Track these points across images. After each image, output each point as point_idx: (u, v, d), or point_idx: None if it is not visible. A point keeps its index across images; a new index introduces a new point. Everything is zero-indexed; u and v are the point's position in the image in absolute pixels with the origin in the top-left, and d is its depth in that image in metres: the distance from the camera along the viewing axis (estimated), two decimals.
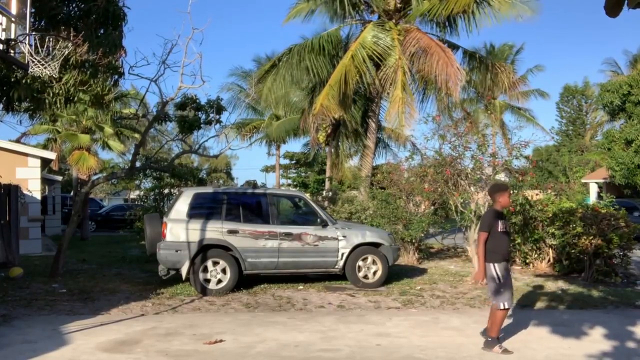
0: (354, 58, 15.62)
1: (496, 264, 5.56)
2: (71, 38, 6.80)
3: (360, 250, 9.46)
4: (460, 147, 10.39)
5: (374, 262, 9.52)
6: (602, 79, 34.09)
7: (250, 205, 9.63)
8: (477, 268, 5.68)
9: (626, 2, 2.40)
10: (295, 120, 23.03)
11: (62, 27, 7.12)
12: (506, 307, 5.54)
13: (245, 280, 9.22)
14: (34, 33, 6.39)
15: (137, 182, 28.63)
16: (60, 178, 24.52)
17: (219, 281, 8.73)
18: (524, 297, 8.54)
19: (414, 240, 12.36)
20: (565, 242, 10.54)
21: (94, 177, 19.30)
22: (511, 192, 10.57)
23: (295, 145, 66.11)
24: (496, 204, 5.78)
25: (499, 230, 5.61)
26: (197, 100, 11.77)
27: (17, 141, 19.36)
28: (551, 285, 9.59)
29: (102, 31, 8.72)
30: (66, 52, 6.60)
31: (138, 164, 13.58)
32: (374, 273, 9.49)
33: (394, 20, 16.83)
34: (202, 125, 12.08)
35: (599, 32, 77.24)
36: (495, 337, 5.62)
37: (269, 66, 17.73)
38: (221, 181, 46.98)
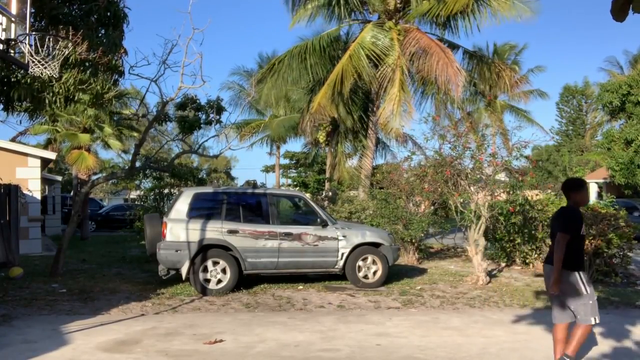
0: (352, 58, 15.64)
1: (582, 272, 4.83)
2: (71, 37, 6.80)
3: (360, 250, 9.46)
4: (460, 147, 10.39)
5: (374, 262, 9.52)
6: (602, 77, 34.15)
7: (250, 205, 9.63)
8: (553, 277, 4.72)
9: (631, 6, 2.41)
10: (296, 118, 23.06)
11: (63, 27, 7.12)
12: (597, 321, 4.82)
13: (245, 280, 9.22)
14: (34, 33, 6.39)
15: (137, 182, 28.65)
16: (60, 178, 24.52)
17: (219, 281, 8.73)
18: (524, 297, 8.55)
19: (414, 240, 12.36)
20: None
21: (94, 177, 19.31)
22: (511, 192, 10.64)
23: (295, 145, 66.13)
24: (572, 202, 4.95)
25: (582, 233, 4.88)
26: (197, 101, 11.77)
27: (14, 140, 19.35)
28: None
29: (102, 31, 8.74)
30: (66, 52, 6.60)
31: (138, 164, 13.58)
32: (374, 273, 9.49)
33: (393, 20, 16.84)
34: (202, 126, 12.08)
35: (599, 32, 77.31)
36: (574, 357, 4.90)
37: (270, 67, 17.75)
38: (221, 181, 47.00)
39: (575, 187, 4.95)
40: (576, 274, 4.80)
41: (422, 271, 11.24)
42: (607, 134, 26.41)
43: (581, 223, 4.85)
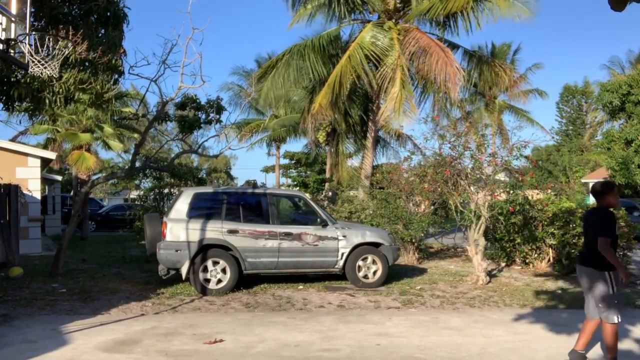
0: (352, 58, 15.63)
1: (612, 272, 4.99)
2: (70, 37, 6.80)
3: (360, 250, 9.46)
4: (459, 147, 10.39)
5: (374, 261, 9.52)
6: (604, 75, 34.13)
7: (250, 205, 9.63)
8: (620, 270, 4.96)
9: None
10: (296, 119, 23.04)
11: (62, 26, 7.11)
12: (620, 320, 5.02)
13: (245, 280, 9.22)
14: (34, 33, 6.39)
15: (137, 182, 28.67)
16: (60, 178, 24.54)
17: (219, 281, 8.73)
18: (524, 297, 8.55)
19: (414, 240, 12.36)
20: (565, 242, 10.55)
21: (94, 177, 19.31)
22: (511, 192, 10.65)
23: (295, 145, 66.13)
24: (605, 204, 5.17)
25: (615, 233, 5.10)
26: (197, 100, 11.77)
27: (14, 140, 19.35)
28: (551, 285, 9.60)
29: (102, 31, 8.74)
30: (66, 52, 6.60)
31: (138, 164, 13.58)
32: (374, 273, 9.49)
33: (393, 20, 16.84)
34: (202, 125, 12.09)
35: (600, 32, 77.34)
36: (614, 356, 5.05)
37: (269, 66, 17.72)
38: (221, 181, 47.00)
39: (606, 191, 5.14)
40: (605, 273, 4.96)
41: (422, 271, 11.24)
42: (607, 134, 26.39)
43: (615, 224, 5.05)
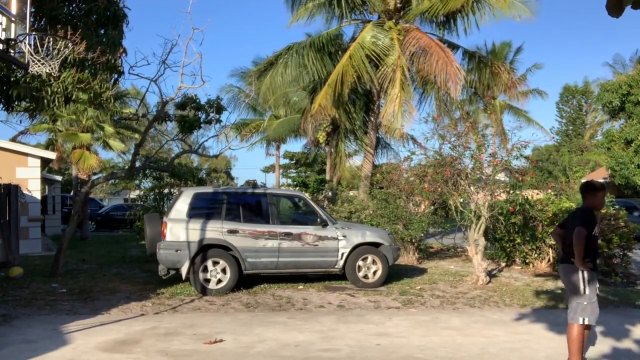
0: (352, 58, 15.61)
1: (585, 272, 4.90)
2: (69, 36, 6.80)
3: (360, 250, 9.46)
4: (460, 147, 10.39)
5: (374, 261, 9.51)
6: (606, 73, 34.16)
7: (250, 205, 9.63)
8: (578, 262, 4.85)
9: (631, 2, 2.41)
10: (296, 119, 23.01)
11: (61, 26, 7.11)
12: (585, 322, 4.85)
13: (245, 280, 9.22)
14: (34, 33, 6.39)
15: (137, 182, 28.64)
16: (60, 178, 24.54)
17: (219, 281, 8.73)
18: (524, 297, 8.55)
19: (414, 240, 12.36)
20: None
21: (94, 177, 19.31)
22: (511, 192, 10.64)
23: (295, 145, 66.06)
24: (588, 203, 5.12)
25: (594, 233, 5.00)
26: (197, 100, 11.78)
27: (15, 139, 19.36)
28: (551, 285, 9.60)
29: (102, 31, 8.74)
30: (66, 52, 6.60)
31: (138, 164, 13.58)
32: (374, 273, 9.49)
33: (393, 20, 16.83)
34: (202, 125, 12.09)
35: (601, 32, 77.35)
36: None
37: (268, 64, 17.68)
38: (221, 181, 46.99)
39: (591, 190, 5.11)
40: (579, 273, 4.92)
41: (422, 271, 11.24)
42: (607, 133, 26.43)
43: (594, 224, 5.03)
